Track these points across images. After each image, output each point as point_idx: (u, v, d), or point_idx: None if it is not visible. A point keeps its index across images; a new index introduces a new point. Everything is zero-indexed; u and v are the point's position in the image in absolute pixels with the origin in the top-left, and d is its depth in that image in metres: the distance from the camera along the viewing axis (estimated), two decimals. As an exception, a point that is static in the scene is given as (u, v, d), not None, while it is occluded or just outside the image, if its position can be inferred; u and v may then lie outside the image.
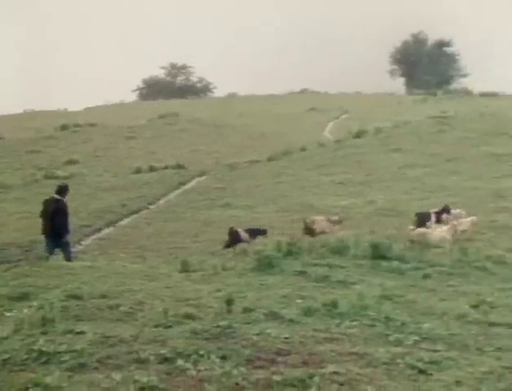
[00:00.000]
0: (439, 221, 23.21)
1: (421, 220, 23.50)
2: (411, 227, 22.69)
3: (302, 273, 16.45)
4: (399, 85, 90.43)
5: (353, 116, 60.22)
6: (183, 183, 35.41)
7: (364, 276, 16.48)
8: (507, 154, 34.65)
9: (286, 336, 11.01)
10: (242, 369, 9.40)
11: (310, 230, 23.05)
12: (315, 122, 56.94)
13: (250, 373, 9.32)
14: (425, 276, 16.57)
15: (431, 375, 9.76)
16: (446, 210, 23.75)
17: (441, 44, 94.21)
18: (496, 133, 39.47)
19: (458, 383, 9.48)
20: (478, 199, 25.42)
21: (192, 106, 73.08)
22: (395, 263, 17.62)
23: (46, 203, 19.98)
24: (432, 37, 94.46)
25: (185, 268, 17.37)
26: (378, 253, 18.34)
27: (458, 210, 23.57)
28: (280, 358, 10.05)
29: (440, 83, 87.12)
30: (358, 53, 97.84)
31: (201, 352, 9.83)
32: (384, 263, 17.70)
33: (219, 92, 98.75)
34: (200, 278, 16.37)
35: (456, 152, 36.19)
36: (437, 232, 20.97)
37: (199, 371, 9.21)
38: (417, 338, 11.24)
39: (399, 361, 10.16)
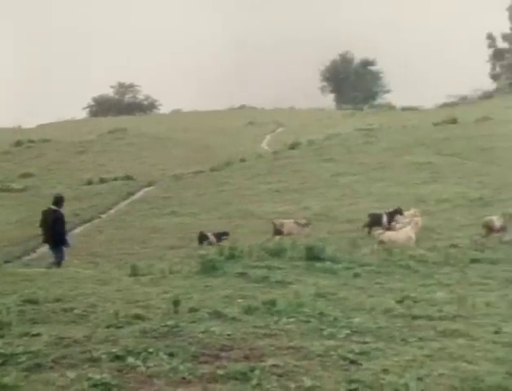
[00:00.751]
0: (390, 222, 23.47)
1: (374, 221, 23.73)
2: (365, 228, 23.01)
3: (242, 274, 16.50)
4: (329, 100, 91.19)
5: (288, 129, 60.51)
6: (132, 193, 35.28)
7: (299, 276, 16.58)
8: (426, 162, 35.12)
9: (229, 332, 11.05)
10: (188, 364, 9.44)
11: (278, 232, 23.33)
12: (254, 135, 57.11)
13: (196, 368, 9.36)
14: (356, 275, 16.73)
15: (361, 364, 9.90)
16: (398, 212, 24.00)
17: (366, 63, 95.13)
18: (417, 144, 39.95)
19: (385, 371, 9.63)
20: (402, 204, 25.67)
21: (139, 122, 72.70)
22: (328, 264, 17.75)
23: (45, 213, 20.05)
24: (358, 56, 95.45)
25: (134, 272, 17.31)
26: (313, 255, 18.46)
27: (412, 211, 23.77)
28: (223, 354, 10.10)
29: (366, 99, 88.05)
30: (291, 71, 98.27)
31: (150, 349, 9.84)
32: (318, 264, 17.82)
33: (165, 109, 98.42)
34: (148, 281, 16.33)
35: (382, 161, 36.56)
36: (403, 232, 21.21)
37: (148, 367, 9.23)
38: (348, 332, 11.36)
39: (332, 353, 10.28)
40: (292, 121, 64.93)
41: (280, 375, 9.38)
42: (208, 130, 59.02)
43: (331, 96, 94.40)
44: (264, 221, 25.12)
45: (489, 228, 22.29)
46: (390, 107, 75.79)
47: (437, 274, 16.91)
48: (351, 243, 20.60)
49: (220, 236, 22.98)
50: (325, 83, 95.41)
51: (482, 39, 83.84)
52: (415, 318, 12.49)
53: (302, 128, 57.64)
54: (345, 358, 10.10)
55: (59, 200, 20.16)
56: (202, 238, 22.82)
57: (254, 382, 9.07)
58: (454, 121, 47.50)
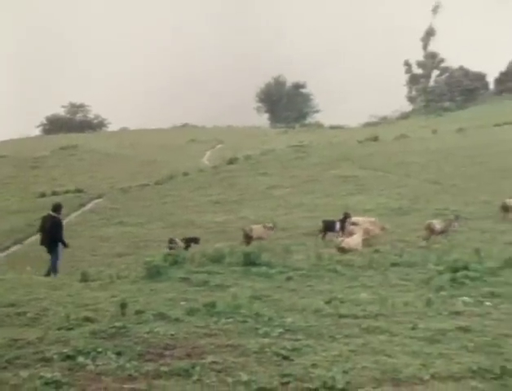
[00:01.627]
0: (343, 228, 23.68)
1: (327, 227, 23.86)
2: (320, 234, 23.16)
3: (185, 279, 16.44)
4: (264, 119, 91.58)
5: (227, 145, 60.55)
6: (83, 205, 34.91)
7: (237, 280, 16.57)
8: (351, 176, 35.50)
9: (172, 332, 11.03)
10: (134, 362, 9.40)
11: (248, 237, 23.24)
12: (195, 151, 57.03)
13: (141, 365, 9.32)
14: (289, 278, 16.78)
15: (293, 360, 9.97)
16: (347, 217, 24.08)
17: (297, 86, 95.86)
18: (343, 159, 40.38)
19: (314, 365, 9.70)
20: (330, 214, 25.89)
21: (90, 139, 72.02)
22: (264, 268, 17.77)
23: (44, 219, 20.38)
24: (290, 79, 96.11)
25: (85, 278, 17.12)
26: (249, 261, 18.47)
27: (373, 219, 23.96)
28: (167, 352, 10.08)
29: (297, 118, 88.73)
30: (230, 93, 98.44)
31: (99, 349, 9.77)
32: (254, 269, 17.83)
33: (113, 127, 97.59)
34: (98, 286, 16.16)
35: (312, 175, 36.84)
36: (355, 238, 21.29)
37: (97, 365, 9.17)
38: (281, 330, 11.42)
39: (266, 350, 10.32)
40: (230, 138, 65.05)
41: (219, 371, 9.40)
42: (153, 147, 58.80)
43: (266, 116, 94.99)
44: (204, 230, 25.11)
45: (431, 230, 22.63)
46: (319, 126, 76.47)
47: (361, 276, 17.07)
48: (285, 250, 20.66)
49: (189, 242, 22.58)
50: (260, 104, 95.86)
51: (400, 66, 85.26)
52: (341, 316, 12.60)
53: (239, 144, 57.77)
54: (278, 355, 10.16)
55: (57, 207, 20.50)
56: (171, 243, 22.27)
57: (195, 378, 9.09)
58: (376, 139, 48.15)
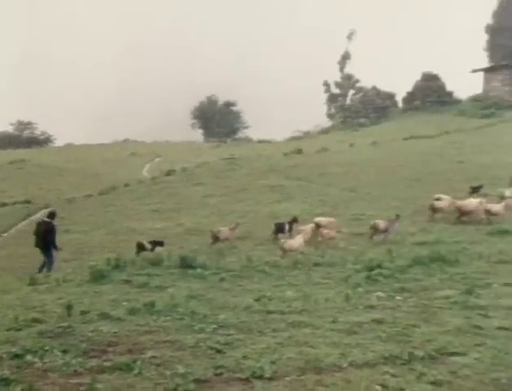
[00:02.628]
0: (291, 229, 23.80)
1: (278, 229, 24.05)
2: (272, 235, 23.65)
3: (127, 281, 16.33)
4: (198, 135, 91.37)
5: (164, 159, 60.26)
6: (30, 215, 34.25)
7: (175, 281, 16.53)
8: (278, 185, 35.69)
9: (115, 331, 10.95)
10: (80, 359, 9.31)
11: (216, 238, 23.22)
12: (135, 164, 56.61)
13: (86, 362, 9.24)
14: (222, 279, 16.80)
15: (226, 353, 9.99)
16: (295, 221, 24.33)
17: (228, 104, 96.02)
18: (270, 170, 40.58)
19: (245, 357, 9.75)
20: (259, 220, 26.07)
21: (37, 154, 70.59)
22: (199, 270, 17.77)
23: (39, 224, 20.76)
24: (222, 98, 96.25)
25: (33, 282, 16.85)
26: (186, 263, 18.46)
27: (332, 219, 24.15)
28: (110, 349, 10.01)
29: (229, 133, 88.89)
30: (167, 110, 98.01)
31: (46, 348, 9.65)
32: (190, 271, 17.81)
33: (59, 142, 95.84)
34: (45, 289, 15.92)
35: (243, 185, 36.90)
36: (297, 239, 21.25)
37: (44, 363, 9.06)
38: (215, 326, 11.43)
39: (201, 344, 10.33)
40: (168, 152, 64.77)
41: (158, 365, 9.38)
42: (96, 160, 58.17)
43: (200, 131, 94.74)
44: (145, 236, 24.89)
45: (375, 229, 22.85)
46: (248, 140, 76.72)
47: (287, 276, 17.20)
48: (218, 253, 20.71)
49: (155, 245, 22.32)
50: (195, 120, 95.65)
51: (320, 86, 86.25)
52: (269, 313, 12.67)
53: (176, 158, 57.55)
54: (212, 348, 10.18)
55: (52, 214, 20.96)
56: (140, 247, 22.11)
57: (136, 371, 9.05)
58: (300, 152, 48.48)
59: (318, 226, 23.43)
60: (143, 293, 14.88)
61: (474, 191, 27.65)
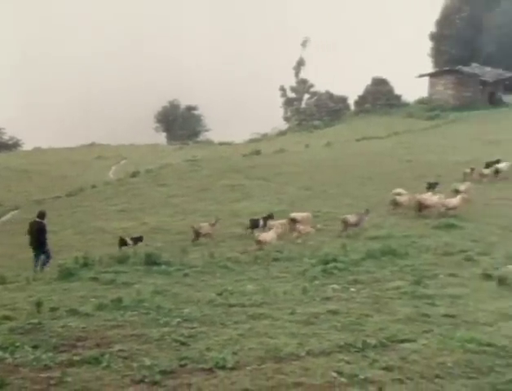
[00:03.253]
0: (265, 225, 23.77)
1: (253, 224, 24.06)
2: (248, 230, 23.62)
3: (94, 279, 16.22)
4: (162, 138, 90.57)
5: (130, 161, 59.58)
6: (1, 216, 33.71)
7: (141, 278, 16.47)
8: (238, 185, 35.67)
9: (83, 326, 10.89)
10: (50, 354, 9.24)
11: (197, 234, 23.14)
12: (102, 167, 55.91)
13: (56, 356, 9.18)
14: (185, 275, 16.80)
15: (190, 345, 10.02)
16: (270, 217, 24.38)
17: (190, 108, 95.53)
18: (231, 170, 40.56)
19: (208, 349, 9.78)
20: (221, 217, 25.98)
21: (6, 158, 69.41)
22: (164, 267, 17.75)
23: (31, 224, 20.77)
24: (184, 102, 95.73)
25: (3, 281, 16.65)
26: (151, 260, 18.42)
27: (306, 214, 24.28)
28: (79, 343, 9.95)
29: (191, 136, 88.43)
30: (131, 114, 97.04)
31: (17, 344, 9.57)
32: (155, 267, 17.78)
33: (27, 146, 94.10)
34: (15, 287, 15.75)
35: (205, 185, 36.80)
36: (270, 233, 21.36)
37: (15, 358, 9.00)
38: (179, 320, 11.45)
39: (166, 337, 10.33)
40: (133, 155, 64.16)
41: (125, 358, 9.36)
42: (64, 163, 57.28)
43: (163, 134, 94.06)
44: (112, 235, 24.70)
45: (346, 223, 22.97)
46: (210, 143, 76.36)
47: (248, 271, 17.27)
48: (182, 250, 20.63)
49: (136, 240, 22.24)
50: (158, 124, 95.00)
51: (277, 90, 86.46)
52: (231, 306, 12.72)
53: (141, 160, 57.01)
54: (177, 341, 10.19)
55: (42, 214, 21.02)
56: (122, 242, 22.03)
57: (104, 364, 9.03)
58: (258, 153, 48.50)
59: (293, 221, 23.62)
60: (111, 290, 14.80)
61: (431, 186, 28.20)
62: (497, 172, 31.73)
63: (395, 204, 26.03)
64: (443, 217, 24.09)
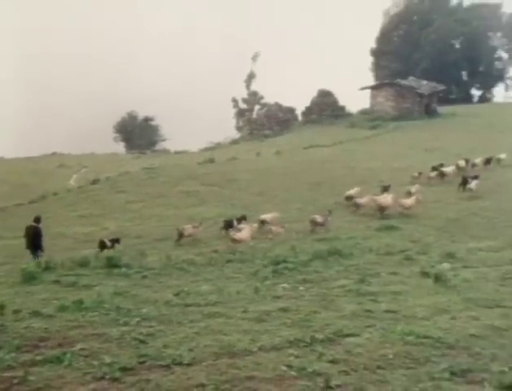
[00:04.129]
0: (230, 226, 24.03)
1: (227, 225, 24.28)
2: (223, 230, 24.06)
3: (56, 282, 15.95)
4: (120, 147, 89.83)
5: (90, 169, 58.95)
6: (-36, 224, 32.92)
7: (101, 280, 16.27)
8: (194, 191, 35.58)
9: (46, 327, 10.72)
10: (13, 354, 9.09)
11: (181, 235, 23.26)
12: (63, 175, 55.11)
13: (19, 356, 9.04)
14: (144, 277, 16.67)
15: (148, 343, 9.96)
16: (243, 218, 24.96)
17: (147, 119, 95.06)
18: (186, 177, 40.39)
19: (166, 346, 9.75)
20: (177, 222, 25.86)
21: (-31, 166, 68.01)
22: (123, 270, 17.58)
23: (28, 228, 21.28)
24: (141, 114, 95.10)
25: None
26: (111, 263, 18.23)
27: (273, 215, 25.02)
28: (41, 344, 9.80)
29: (148, 145, 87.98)
30: (92, 124, 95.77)
31: (-19, 346, 9.38)
32: (115, 270, 17.59)
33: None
34: (-21, 291, 15.40)
35: (161, 191, 36.58)
36: (244, 232, 21.87)
37: (-23, 360, 8.81)
38: (138, 319, 11.36)
39: (126, 336, 10.24)
40: (93, 163, 63.41)
41: (86, 356, 9.25)
42: (27, 172, 56.31)
43: (122, 144, 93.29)
44: (74, 240, 24.41)
45: (314, 223, 23.54)
46: (166, 152, 76.02)
47: (203, 272, 17.21)
48: (140, 254, 20.47)
49: (114, 242, 22.41)
50: (117, 134, 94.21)
51: (229, 102, 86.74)
52: (187, 305, 12.67)
53: (100, 168, 56.34)
54: (136, 339, 10.11)
55: (37, 219, 21.64)
56: (102, 244, 22.15)
57: (66, 363, 8.91)
58: (212, 161, 48.46)
59: (263, 222, 24.07)
60: (72, 292, 14.58)
61: (385, 189, 29.00)
62: (443, 175, 32.66)
63: (356, 205, 26.94)
64: (400, 215, 24.73)
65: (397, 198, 26.28)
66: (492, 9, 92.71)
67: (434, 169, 33.84)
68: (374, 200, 26.46)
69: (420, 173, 33.10)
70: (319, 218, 23.64)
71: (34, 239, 20.93)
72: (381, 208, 26.05)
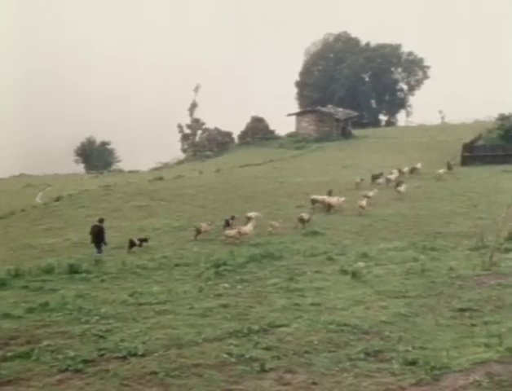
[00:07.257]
0: (228, 224, 24.93)
1: (226, 223, 24.96)
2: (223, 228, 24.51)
3: (25, 287, 15.59)
4: (81, 168, 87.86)
5: (54, 188, 57.46)
6: None
7: (65, 285, 15.98)
8: (145, 205, 34.99)
9: (15, 327, 10.51)
10: (-15, 352, 8.84)
11: (199, 231, 23.82)
12: (30, 193, 53.48)
13: (-10, 354, 8.80)
14: (102, 280, 16.47)
15: (107, 338, 9.87)
16: (232, 218, 25.49)
17: (104, 143, 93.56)
18: (138, 193, 39.83)
19: (122, 340, 9.70)
20: (131, 232, 25.57)
21: None
22: (84, 274, 17.35)
23: (93, 227, 21.87)
24: (99, 138, 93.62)
25: None
26: (73, 270, 17.95)
27: (257, 214, 25.61)
28: (11, 341, 9.63)
29: (105, 166, 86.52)
30: (55, 148, 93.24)
31: (-46, 346, 9.08)
32: (77, 275, 17.31)
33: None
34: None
35: (116, 206, 35.97)
36: (248, 226, 23.28)
37: (-49, 358, 8.54)
38: (98, 318, 11.25)
39: (87, 332, 10.13)
40: (56, 183, 61.70)
41: (52, 351, 9.12)
42: (-5, 191, 54.41)
43: (82, 165, 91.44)
44: (39, 250, 23.77)
45: (302, 220, 24.58)
46: (121, 171, 74.80)
47: (154, 275, 17.12)
48: (98, 260, 20.14)
49: (142, 241, 22.74)
50: (78, 157, 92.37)
51: (175, 127, 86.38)
52: (140, 304, 12.62)
53: (63, 187, 54.83)
54: (96, 335, 10.02)
55: (101, 220, 22.37)
56: (132, 243, 22.54)
57: (34, 358, 8.78)
58: (161, 178, 48.00)
59: (249, 218, 24.78)
60: (39, 295, 14.26)
61: (329, 193, 30.31)
62: (388, 181, 34.99)
63: (314, 203, 28.73)
64: (321, 223, 25.20)
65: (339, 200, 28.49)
66: (393, 48, 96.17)
67: (373, 177, 35.96)
68: (326, 201, 28.58)
69: (362, 180, 34.96)
70: (306, 216, 24.74)
71: (98, 236, 21.36)
72: (330, 207, 28.00)
